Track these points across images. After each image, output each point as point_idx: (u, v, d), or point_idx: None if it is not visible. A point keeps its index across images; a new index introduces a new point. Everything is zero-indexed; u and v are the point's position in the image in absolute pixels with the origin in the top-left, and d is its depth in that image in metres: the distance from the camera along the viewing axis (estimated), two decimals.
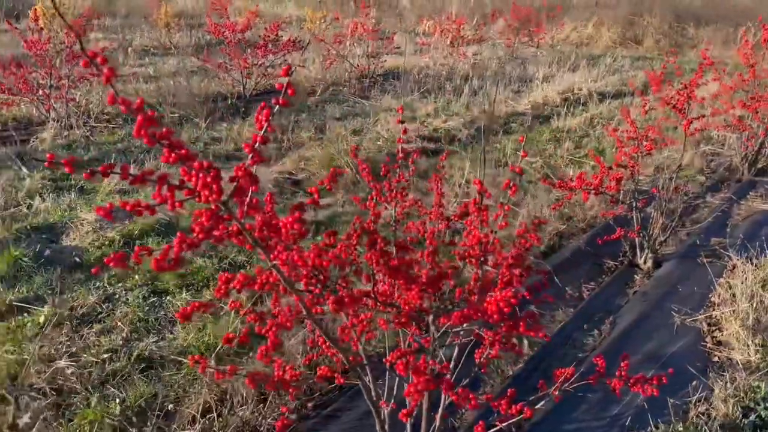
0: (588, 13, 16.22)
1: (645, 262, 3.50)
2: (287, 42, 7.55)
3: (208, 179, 1.01)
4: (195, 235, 1.06)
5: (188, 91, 7.33)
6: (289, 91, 1.15)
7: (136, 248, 1.08)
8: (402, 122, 1.97)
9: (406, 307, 1.28)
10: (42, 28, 6.18)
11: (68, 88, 5.80)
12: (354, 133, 6.25)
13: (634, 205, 3.46)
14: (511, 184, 1.68)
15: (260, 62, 7.55)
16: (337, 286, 1.32)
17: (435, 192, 2.12)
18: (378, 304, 1.43)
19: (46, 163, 1.05)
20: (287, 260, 1.19)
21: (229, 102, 7.14)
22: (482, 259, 1.47)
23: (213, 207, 1.06)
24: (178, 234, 1.07)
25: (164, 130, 0.98)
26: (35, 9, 10.84)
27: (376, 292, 1.43)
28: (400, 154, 1.91)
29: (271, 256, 1.19)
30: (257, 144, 1.13)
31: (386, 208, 1.95)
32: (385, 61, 9.75)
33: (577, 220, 4.09)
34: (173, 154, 0.99)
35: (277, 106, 1.18)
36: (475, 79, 8.90)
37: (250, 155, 1.12)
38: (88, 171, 1.03)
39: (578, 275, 3.41)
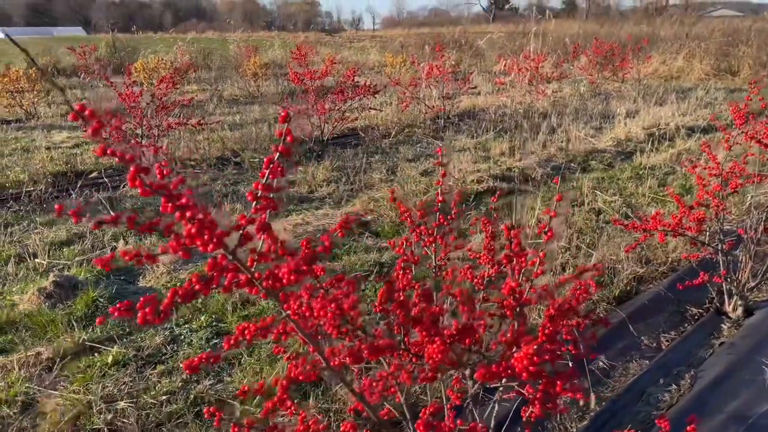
0: (677, 44, 15.55)
1: (734, 310, 3.17)
2: (363, 87, 7.73)
3: (195, 229, 1.00)
4: (188, 287, 1.05)
5: (269, 137, 7.65)
6: (288, 138, 1.15)
7: (119, 304, 1.08)
8: (441, 164, 1.92)
9: (430, 362, 1.20)
10: (135, 82, 6.66)
11: (157, 136, 6.21)
12: (424, 174, 6.24)
13: (719, 247, 3.17)
14: (546, 229, 1.58)
15: (337, 107, 7.76)
16: (363, 335, 1.27)
17: (485, 236, 2.03)
18: (410, 355, 1.36)
19: (55, 215, 1.08)
20: (298, 311, 1.16)
21: (307, 146, 7.36)
22: (517, 310, 1.37)
23: (216, 257, 1.05)
24: (171, 290, 1.07)
25: (164, 180, 0.99)
26: (133, 65, 11.82)
27: (407, 342, 1.36)
28: (440, 198, 1.85)
29: (284, 306, 1.16)
30: (260, 192, 1.11)
31: (426, 253, 1.89)
32: (461, 101, 9.75)
33: (657, 263, 3.80)
34: (170, 205, 0.99)
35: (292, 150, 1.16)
36: (553, 117, 8.69)
37: (254, 203, 1.10)
38: (95, 222, 1.05)
39: (657, 323, 3.14)
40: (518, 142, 7.46)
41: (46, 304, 3.28)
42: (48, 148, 7.20)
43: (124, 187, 5.71)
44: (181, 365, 2.78)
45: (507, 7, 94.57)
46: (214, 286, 1.08)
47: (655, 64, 14.49)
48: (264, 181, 1.10)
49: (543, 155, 6.78)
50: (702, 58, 14.47)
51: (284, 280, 1.09)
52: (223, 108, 10.66)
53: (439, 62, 9.26)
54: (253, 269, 1.12)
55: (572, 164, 6.55)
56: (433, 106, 9.16)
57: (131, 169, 0.93)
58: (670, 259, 3.84)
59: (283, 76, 14.94)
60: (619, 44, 13.77)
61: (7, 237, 4.38)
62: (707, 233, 3.35)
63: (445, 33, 36.37)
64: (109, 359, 2.78)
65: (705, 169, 3.28)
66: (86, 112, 0.89)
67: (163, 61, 11.63)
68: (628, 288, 3.50)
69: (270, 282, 1.10)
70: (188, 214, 1.01)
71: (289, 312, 1.16)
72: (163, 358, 2.87)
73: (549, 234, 1.52)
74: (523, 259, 1.58)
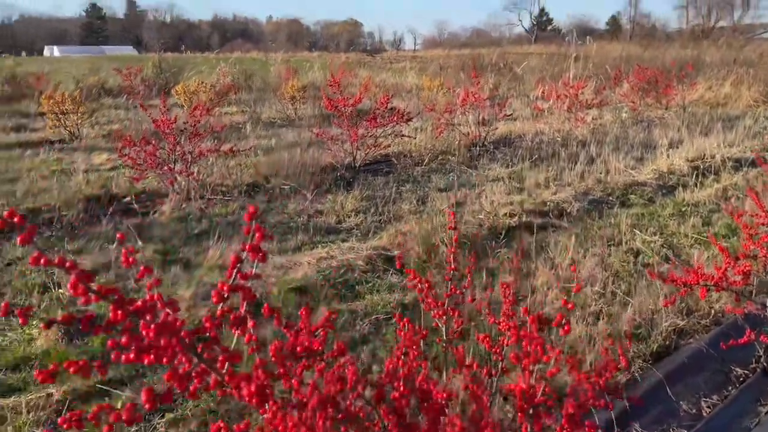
0: (725, 70, 15.05)
1: None
2: (397, 114, 7.66)
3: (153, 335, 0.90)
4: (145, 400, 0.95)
5: (301, 163, 7.63)
6: (257, 236, 1.03)
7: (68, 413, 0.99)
8: (456, 204, 1.78)
9: None
10: (175, 104, 6.73)
11: (190, 162, 6.24)
12: (456, 205, 6.09)
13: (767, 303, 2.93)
14: (563, 322, 1.42)
15: (370, 134, 7.70)
16: None
17: (504, 300, 1.88)
18: None
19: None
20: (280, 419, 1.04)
21: (338, 173, 7.30)
22: (530, 412, 1.22)
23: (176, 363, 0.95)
24: (128, 405, 0.96)
25: (107, 286, 0.89)
26: (174, 88, 12.05)
27: None
28: (452, 248, 1.71)
29: (261, 411, 1.05)
30: (227, 291, 1.01)
31: (437, 325, 1.76)
32: (497, 128, 9.58)
33: (699, 314, 3.56)
34: (120, 312, 0.90)
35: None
36: (592, 146, 8.45)
37: (217, 300, 1.00)
38: (80, 321, 0.97)
39: (697, 385, 2.90)
40: (554, 173, 7.24)
41: (63, 340, 3.26)
42: (86, 171, 7.33)
43: (154, 213, 5.74)
44: (190, 415, 2.69)
45: (549, 28, 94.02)
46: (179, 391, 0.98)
47: (701, 91, 14.02)
48: (231, 281, 0.99)
49: (580, 187, 6.55)
50: (750, 84, 13.94)
51: (251, 399, 0.97)
52: (259, 131, 10.74)
53: (476, 88, 9.13)
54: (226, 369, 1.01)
55: (610, 198, 6.31)
56: (468, 133, 9.02)
57: (72, 277, 0.83)
58: (713, 310, 3.58)
59: (320, 98, 15.08)
60: (663, 69, 13.39)
61: (36, 268, 4.41)
62: (754, 286, 3.11)
63: (484, 54, 36.30)
64: (119, 404, 2.71)
65: (752, 216, 3.06)
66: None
67: (203, 84, 11.82)
68: (667, 342, 3.27)
69: (241, 392, 0.98)
70: (148, 317, 0.91)
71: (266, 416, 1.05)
72: (174, 405, 2.79)
73: (566, 328, 1.36)
74: (539, 346, 1.42)
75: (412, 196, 6.39)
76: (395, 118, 7.72)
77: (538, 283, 4.18)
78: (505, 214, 5.54)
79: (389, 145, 8.00)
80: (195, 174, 6.26)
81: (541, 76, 20.95)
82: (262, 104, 14.91)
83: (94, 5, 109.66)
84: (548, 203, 5.90)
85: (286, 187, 6.68)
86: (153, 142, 6.08)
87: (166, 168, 6.12)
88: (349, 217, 5.73)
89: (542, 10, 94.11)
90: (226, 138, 9.61)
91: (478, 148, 8.75)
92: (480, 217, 5.45)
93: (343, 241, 5.11)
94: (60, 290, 3.98)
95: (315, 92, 18.84)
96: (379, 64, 51.02)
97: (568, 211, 5.76)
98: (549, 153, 8.33)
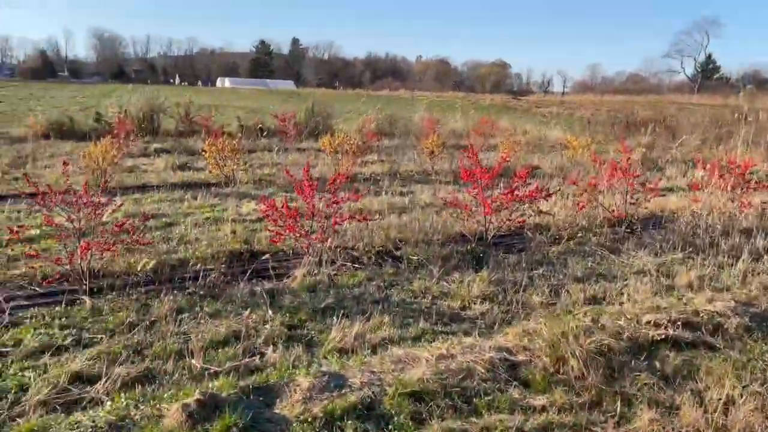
0: None
1: None
2: (535, 190, 7.37)
3: None
4: None
5: (432, 230, 7.59)
6: None
7: None
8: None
9: None
10: (310, 181, 6.99)
11: (325, 229, 6.44)
12: (592, 301, 5.66)
13: None
14: None
15: (505, 206, 7.47)
16: None
17: None
18: None
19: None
20: None
21: (468, 246, 7.14)
22: None
23: None
24: None
25: None
26: (320, 139, 12.63)
27: None
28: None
29: None
30: None
31: None
32: (649, 200, 8.84)
33: None
34: None
35: None
36: (759, 238, 7.50)
37: None
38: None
39: None
40: (711, 270, 6.50)
41: (188, 423, 3.41)
42: (233, 221, 7.87)
43: (288, 277, 5.96)
44: None
45: (716, 76, 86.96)
46: None
47: None
48: None
49: (741, 294, 5.79)
50: None
51: None
52: (396, 186, 10.92)
53: (625, 163, 8.54)
54: None
55: None
56: (613, 211, 8.44)
57: None
58: None
59: (460, 149, 15.04)
60: None
61: (175, 326, 4.73)
62: None
63: (639, 104, 34.30)
64: None
65: None
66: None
67: (348, 136, 12.32)
68: None
69: None
70: None
71: None
72: None
73: None
74: None
75: (544, 283, 6.04)
76: (533, 193, 7.42)
77: (682, 423, 3.70)
78: (649, 322, 5.01)
79: (524, 221, 7.69)
80: (329, 241, 6.42)
81: (702, 139, 19.30)
82: (403, 153, 15.24)
83: (263, 42, 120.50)
84: (701, 313, 5.26)
85: (414, 257, 6.64)
86: (294, 208, 6.38)
87: (303, 233, 6.36)
88: (474, 304, 5.54)
89: (709, 56, 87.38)
90: (367, 189, 9.90)
91: (623, 228, 8.14)
92: (619, 323, 4.98)
93: (466, 333, 4.91)
94: (192, 360, 4.21)
95: (456, 140, 18.99)
96: (525, 108, 50.34)
97: (725, 326, 5.08)
98: (706, 242, 7.51)
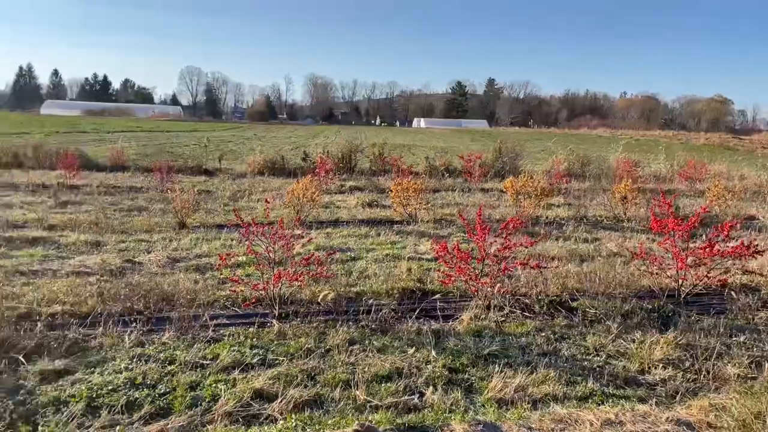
0: None
1: None
2: (740, 246, 6.53)
3: None
4: None
5: (615, 282, 7.10)
6: None
7: None
8: None
9: None
10: (483, 223, 7.02)
11: (496, 276, 6.40)
12: None
13: None
14: None
15: (704, 261, 6.72)
16: None
17: None
18: None
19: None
20: None
21: (656, 303, 6.53)
22: None
23: None
24: None
25: None
26: (504, 181, 12.53)
27: None
28: None
29: None
30: None
31: None
32: None
33: None
34: None
35: None
36: None
37: None
38: None
39: None
40: None
41: None
42: (410, 258, 8.18)
43: (455, 319, 6.02)
44: None
45: None
46: None
47: None
48: None
49: None
50: None
51: None
52: (580, 231, 10.42)
53: None
54: None
55: None
56: None
57: None
58: None
59: (660, 194, 13.83)
60: None
61: (346, 356, 5.06)
62: None
63: None
64: None
65: None
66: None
67: (531, 179, 12.10)
68: None
69: None
70: None
71: None
72: None
73: None
74: None
75: (744, 353, 5.29)
76: (739, 248, 6.57)
77: None
78: None
79: (726, 279, 6.83)
80: (498, 286, 6.37)
81: None
82: (592, 197, 14.51)
83: (459, 83, 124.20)
84: None
85: (591, 311, 6.27)
86: (465, 251, 6.46)
87: (473, 276, 6.39)
88: (655, 368, 5.05)
89: None
90: (545, 235, 9.62)
91: None
92: None
93: (641, 400, 4.50)
94: (357, 391, 4.46)
95: (659, 184, 17.52)
96: (748, 148, 44.59)
97: None
98: None
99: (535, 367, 4.96)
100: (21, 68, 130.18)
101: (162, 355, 4.96)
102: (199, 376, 4.65)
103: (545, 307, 6.41)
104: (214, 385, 4.52)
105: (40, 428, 3.85)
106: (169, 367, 4.75)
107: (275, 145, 28.84)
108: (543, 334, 5.75)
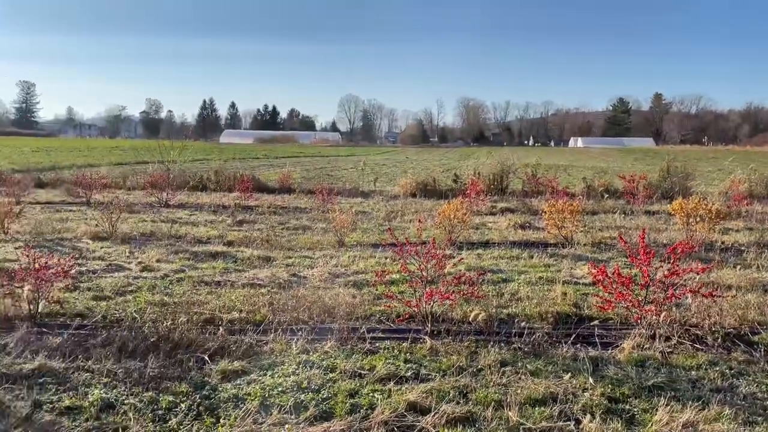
0: None
1: None
2: None
3: None
4: None
5: None
6: None
7: None
8: None
9: None
10: (647, 247, 6.59)
11: (663, 302, 5.97)
12: None
13: None
14: None
15: None
16: None
17: None
18: None
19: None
20: None
21: None
22: None
23: None
24: None
25: None
26: (671, 203, 11.62)
27: None
28: None
29: None
30: None
31: None
32: None
33: None
34: None
35: None
36: None
37: None
38: None
39: None
40: None
41: None
42: (565, 283, 7.91)
43: (615, 347, 5.72)
44: None
45: None
46: None
47: None
48: None
49: None
50: None
51: None
52: (764, 259, 9.32)
53: None
54: None
55: None
56: None
57: None
58: None
59: None
60: None
61: (498, 376, 5.04)
62: None
63: None
64: None
65: None
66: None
67: (705, 201, 11.06)
68: None
69: None
70: None
71: None
72: None
73: None
74: None
75: None
76: None
77: None
78: None
79: None
80: (663, 315, 5.93)
81: None
82: None
83: (621, 99, 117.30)
84: None
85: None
86: (627, 276, 6.12)
87: (635, 302, 6.03)
88: None
89: None
90: (720, 262, 8.77)
91: None
92: None
93: None
94: (510, 412, 4.43)
95: None
96: None
97: None
98: None
99: (707, 402, 4.54)
100: (204, 101, 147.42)
101: (324, 362, 5.32)
102: (357, 384, 4.91)
103: (720, 340, 5.84)
104: (371, 394, 4.75)
105: (221, 421, 4.33)
106: (331, 375, 5.09)
107: (426, 168, 29.45)
108: (717, 368, 5.24)
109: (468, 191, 15.77)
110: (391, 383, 4.93)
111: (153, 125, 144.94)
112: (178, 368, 5.14)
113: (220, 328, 6.02)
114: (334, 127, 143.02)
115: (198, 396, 4.68)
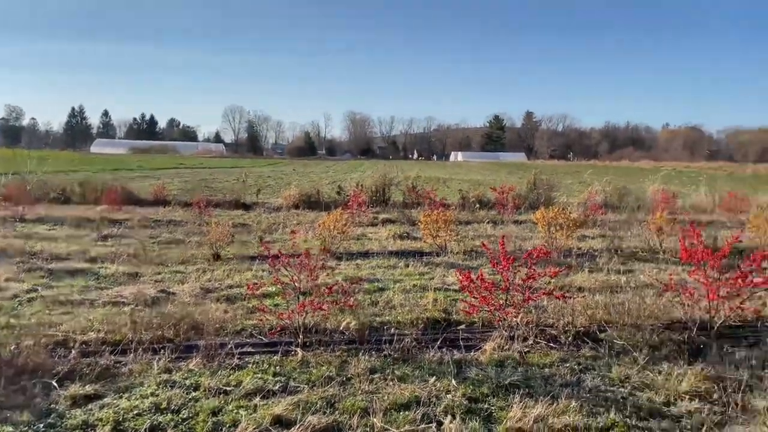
0: None
1: None
2: None
3: None
4: None
5: (646, 314, 6.96)
6: None
7: None
8: None
9: None
10: (506, 254, 7.02)
11: (521, 305, 6.38)
12: None
13: None
14: None
15: (737, 292, 6.54)
16: None
17: None
18: None
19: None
20: None
21: (686, 335, 6.37)
22: None
23: None
24: None
25: None
26: (534, 212, 12.44)
27: None
28: None
29: None
30: None
31: None
32: None
33: None
34: None
35: None
36: None
37: None
38: None
39: None
40: None
41: None
42: (437, 289, 8.21)
43: (478, 349, 6.00)
44: None
45: None
46: None
47: None
48: None
49: None
50: None
51: None
52: (614, 263, 10.25)
53: None
54: None
55: None
56: None
57: None
58: None
59: (701, 226, 13.48)
60: None
61: (366, 383, 5.11)
62: None
63: None
64: None
65: None
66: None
67: (564, 211, 11.98)
68: None
69: None
70: None
71: None
72: None
73: None
74: None
75: None
76: None
77: None
78: None
79: (760, 310, 6.62)
80: (520, 316, 6.33)
81: None
82: (628, 228, 14.27)
83: (496, 117, 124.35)
84: None
85: (618, 343, 6.16)
86: (489, 281, 6.47)
87: (497, 305, 6.38)
88: (681, 400, 4.92)
89: None
90: (573, 266, 9.51)
91: None
92: None
93: None
94: (375, 419, 4.49)
95: (699, 215, 17.10)
96: None
97: None
98: None
99: (557, 397, 4.90)
100: (73, 109, 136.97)
101: (188, 381, 5.10)
102: (222, 401, 4.76)
103: (571, 338, 6.33)
104: (235, 411, 4.62)
105: None
106: (194, 393, 4.89)
107: (312, 180, 29.40)
108: (567, 364, 5.67)
109: (350, 203, 15.92)
110: (258, 398, 4.83)
111: (13, 133, 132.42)
112: (20, 396, 4.71)
113: (72, 350, 5.58)
114: (218, 138, 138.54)
115: (42, 425, 4.31)
